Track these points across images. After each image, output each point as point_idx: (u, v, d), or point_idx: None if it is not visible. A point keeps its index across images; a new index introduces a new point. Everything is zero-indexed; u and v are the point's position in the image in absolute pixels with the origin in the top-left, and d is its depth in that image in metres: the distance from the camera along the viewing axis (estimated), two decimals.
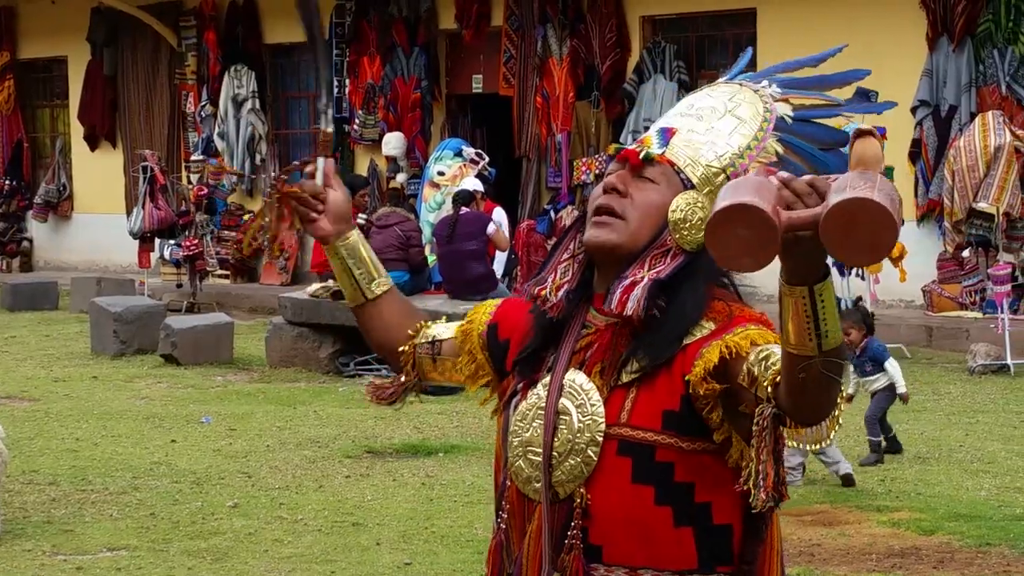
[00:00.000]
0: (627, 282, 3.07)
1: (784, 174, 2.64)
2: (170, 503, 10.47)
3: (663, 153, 3.16)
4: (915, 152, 18.81)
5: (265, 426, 13.14)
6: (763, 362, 2.89)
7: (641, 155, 3.16)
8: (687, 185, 3.14)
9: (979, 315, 17.58)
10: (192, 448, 12.29)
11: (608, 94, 21.43)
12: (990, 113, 17.55)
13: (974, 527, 9.28)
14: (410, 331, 3.58)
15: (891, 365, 11.28)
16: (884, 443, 11.23)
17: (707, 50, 21.37)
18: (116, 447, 12.42)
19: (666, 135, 3.21)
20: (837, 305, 2.71)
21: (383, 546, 9.19)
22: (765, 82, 3.40)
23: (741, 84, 3.39)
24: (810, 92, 3.49)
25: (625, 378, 3.09)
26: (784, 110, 3.34)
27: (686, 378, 2.98)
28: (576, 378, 3.14)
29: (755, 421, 2.89)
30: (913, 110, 18.77)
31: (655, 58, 21.10)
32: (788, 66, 3.56)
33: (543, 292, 3.20)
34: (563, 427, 3.11)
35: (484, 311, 3.51)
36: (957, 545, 8.94)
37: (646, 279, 3.06)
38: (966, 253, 18.09)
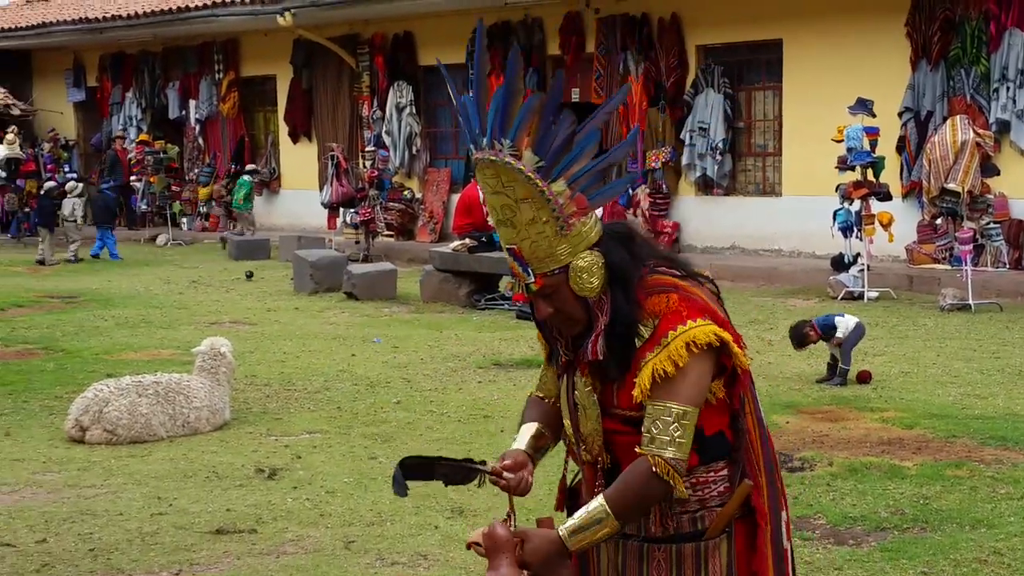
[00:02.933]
0: (592, 337, 3.14)
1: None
2: (351, 400, 10.57)
3: (536, 279, 3.12)
4: (901, 146, 18.56)
5: (420, 344, 13.21)
6: (647, 432, 3.07)
7: (529, 292, 3.18)
8: (561, 271, 3.11)
9: (948, 267, 17.37)
10: (367, 360, 12.38)
11: (672, 103, 21.29)
12: (958, 117, 17.33)
13: (943, 423, 9.18)
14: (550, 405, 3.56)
15: (840, 328, 11.01)
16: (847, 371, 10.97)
17: (745, 70, 21.14)
18: (312, 359, 12.54)
19: (520, 259, 3.13)
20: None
21: (505, 432, 9.22)
22: (499, 146, 3.03)
23: (492, 161, 3.04)
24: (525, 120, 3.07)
25: (609, 379, 3.16)
26: (530, 160, 3.04)
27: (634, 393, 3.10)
28: (582, 385, 3.23)
29: None
30: (900, 114, 18.51)
31: (707, 76, 20.91)
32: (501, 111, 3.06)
33: (565, 360, 3.28)
34: (582, 416, 3.23)
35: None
36: (931, 436, 8.85)
37: (599, 329, 3.13)
38: (939, 221, 17.90)
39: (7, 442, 9.26)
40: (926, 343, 12.92)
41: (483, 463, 3.34)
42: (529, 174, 3.01)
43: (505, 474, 3.32)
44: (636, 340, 3.10)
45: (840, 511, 7.14)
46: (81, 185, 25.35)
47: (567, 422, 3.31)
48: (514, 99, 3.02)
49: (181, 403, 9.45)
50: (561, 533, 3.02)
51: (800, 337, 10.99)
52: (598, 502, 3.01)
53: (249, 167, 27.25)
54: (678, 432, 3.01)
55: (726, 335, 3.07)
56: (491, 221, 3.21)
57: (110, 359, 12.55)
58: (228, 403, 9.83)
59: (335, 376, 11.57)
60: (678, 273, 3.21)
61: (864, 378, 10.88)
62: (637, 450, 3.04)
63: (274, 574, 6.31)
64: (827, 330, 10.92)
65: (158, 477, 8.22)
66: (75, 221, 24.01)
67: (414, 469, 3.31)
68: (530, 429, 3.45)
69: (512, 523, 3.24)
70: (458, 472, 3.37)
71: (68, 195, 24.43)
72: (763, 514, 3.18)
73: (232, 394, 10.09)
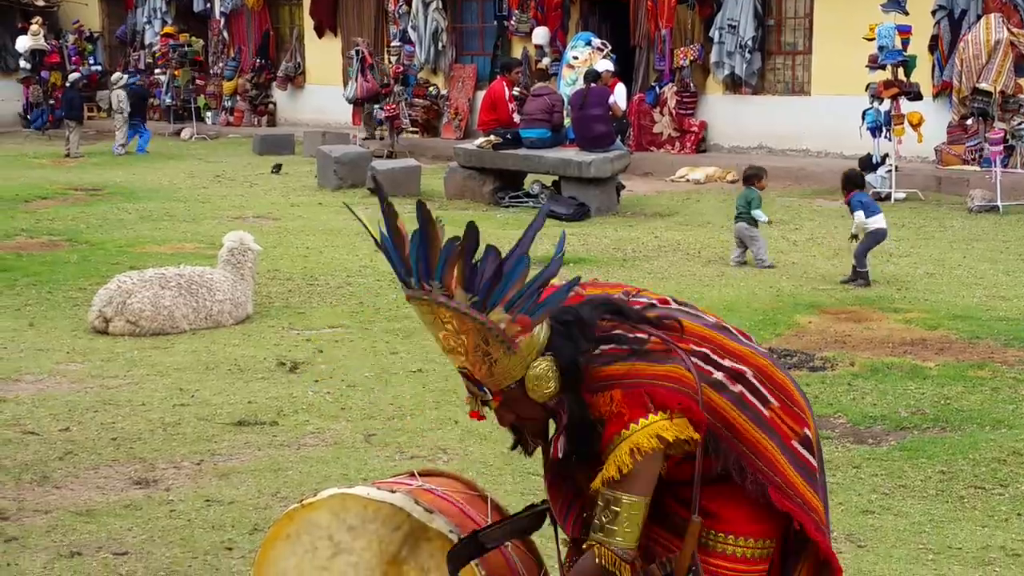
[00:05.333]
0: (555, 436, 3.20)
1: None
2: (373, 295, 10.60)
3: (493, 396, 3.14)
4: (933, 45, 18.32)
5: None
6: (597, 519, 3.12)
7: (481, 413, 3.19)
8: (516, 384, 3.11)
9: (977, 168, 17.19)
10: None
11: (701, 0, 21.04)
12: (992, 15, 17.10)
13: (967, 324, 9.17)
14: None
15: (857, 215, 10.99)
16: (858, 271, 10.87)
17: None
18: (335, 254, 12.57)
19: (472, 379, 3.14)
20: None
21: None
22: (428, 287, 3.06)
23: (425, 300, 3.08)
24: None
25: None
26: (463, 297, 3.03)
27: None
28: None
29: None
30: (933, 12, 18.25)
31: None
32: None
33: (530, 452, 3.37)
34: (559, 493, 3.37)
35: None
36: (954, 338, 8.83)
37: (560, 428, 3.17)
38: (969, 121, 17.70)
39: (31, 332, 9.33)
40: (952, 244, 12.85)
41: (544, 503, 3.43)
42: (465, 310, 3.02)
43: None
44: (599, 429, 3.14)
45: (860, 410, 7.15)
46: (126, 76, 25.27)
47: (549, 498, 3.40)
48: (430, 245, 3.02)
49: (204, 296, 9.49)
50: None
51: (853, 180, 11.31)
52: None
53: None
54: (627, 524, 3.07)
55: (668, 434, 3.07)
56: (439, 345, 3.17)
57: (133, 252, 12.59)
58: (251, 297, 9.87)
59: (357, 271, 11.59)
60: (629, 345, 3.18)
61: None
62: (586, 544, 3.13)
63: (294, 466, 6.36)
64: (854, 206, 10.95)
65: (180, 369, 8.28)
66: (122, 113, 23.89)
67: (462, 556, 3.36)
68: None
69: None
70: (518, 527, 3.47)
71: (113, 86, 24.35)
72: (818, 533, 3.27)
73: (256, 288, 10.12)
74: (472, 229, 3.03)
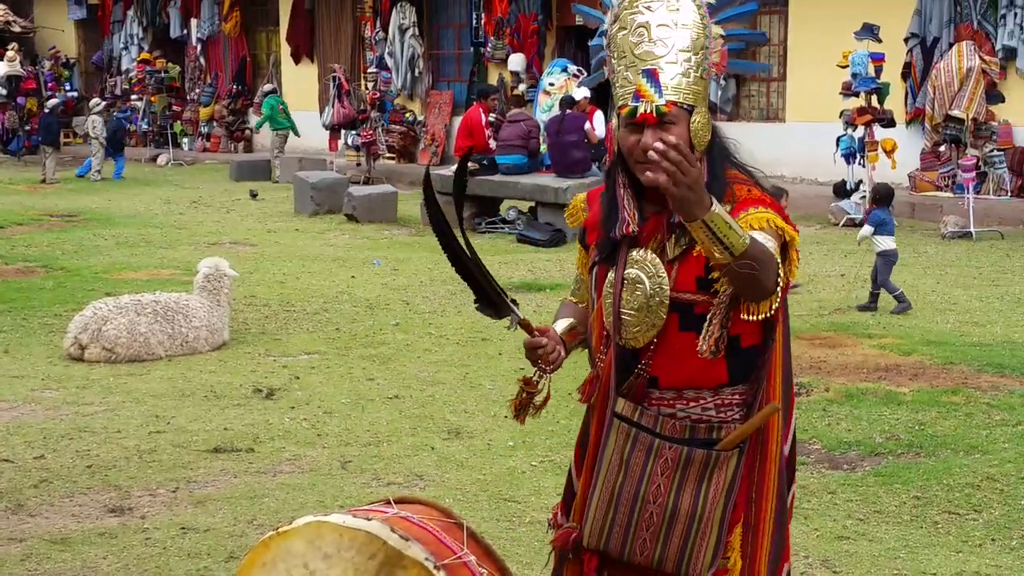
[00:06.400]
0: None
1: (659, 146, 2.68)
2: (350, 321, 10.59)
3: (665, 102, 3.01)
4: (906, 72, 18.44)
5: (419, 267, 13.21)
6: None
7: (654, 114, 3.00)
8: (688, 109, 3.03)
9: (950, 195, 17.31)
10: (366, 282, 12.39)
11: None
12: (964, 43, 17.23)
13: (941, 350, 9.20)
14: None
15: (865, 228, 11.11)
16: (896, 297, 10.89)
17: None
18: (311, 280, 12.55)
19: (655, 80, 3.02)
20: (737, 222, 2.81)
21: (503, 355, 9.24)
22: None
23: (693, 3, 3.09)
24: None
25: (670, 254, 3.06)
26: (716, 32, 3.10)
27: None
28: (647, 256, 3.10)
29: (717, 297, 3.00)
30: (906, 40, 18.38)
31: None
32: None
33: (631, 228, 3.10)
34: (638, 293, 3.09)
35: (578, 217, 3.42)
36: (928, 363, 8.86)
37: None
38: (942, 148, 17.82)
39: (6, 359, 9.28)
40: (926, 271, 12.91)
41: (515, 303, 3.24)
42: (699, 3, 3.07)
43: (536, 333, 3.24)
44: None
45: (835, 436, 7.17)
46: (104, 103, 25.23)
47: (607, 306, 3.18)
48: None
49: (180, 322, 9.46)
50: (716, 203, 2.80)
51: (882, 195, 11.40)
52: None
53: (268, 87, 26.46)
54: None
55: (796, 236, 3.07)
56: (629, 39, 3.09)
57: (109, 278, 12.56)
58: (227, 323, 9.85)
59: (334, 297, 11.58)
60: (760, 186, 3.21)
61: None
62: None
63: (271, 492, 6.34)
64: (871, 221, 11.10)
65: (156, 396, 8.25)
66: (98, 138, 23.83)
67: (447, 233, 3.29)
68: (564, 322, 3.41)
69: (541, 384, 3.29)
70: (492, 296, 3.27)
71: (91, 112, 24.30)
72: (774, 439, 3.16)
73: (231, 314, 10.10)
74: None
